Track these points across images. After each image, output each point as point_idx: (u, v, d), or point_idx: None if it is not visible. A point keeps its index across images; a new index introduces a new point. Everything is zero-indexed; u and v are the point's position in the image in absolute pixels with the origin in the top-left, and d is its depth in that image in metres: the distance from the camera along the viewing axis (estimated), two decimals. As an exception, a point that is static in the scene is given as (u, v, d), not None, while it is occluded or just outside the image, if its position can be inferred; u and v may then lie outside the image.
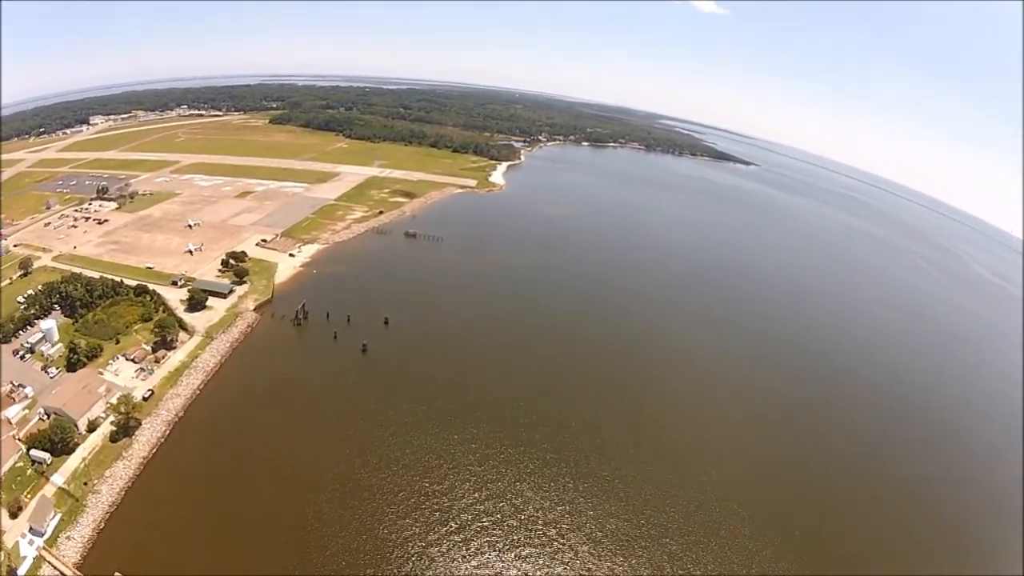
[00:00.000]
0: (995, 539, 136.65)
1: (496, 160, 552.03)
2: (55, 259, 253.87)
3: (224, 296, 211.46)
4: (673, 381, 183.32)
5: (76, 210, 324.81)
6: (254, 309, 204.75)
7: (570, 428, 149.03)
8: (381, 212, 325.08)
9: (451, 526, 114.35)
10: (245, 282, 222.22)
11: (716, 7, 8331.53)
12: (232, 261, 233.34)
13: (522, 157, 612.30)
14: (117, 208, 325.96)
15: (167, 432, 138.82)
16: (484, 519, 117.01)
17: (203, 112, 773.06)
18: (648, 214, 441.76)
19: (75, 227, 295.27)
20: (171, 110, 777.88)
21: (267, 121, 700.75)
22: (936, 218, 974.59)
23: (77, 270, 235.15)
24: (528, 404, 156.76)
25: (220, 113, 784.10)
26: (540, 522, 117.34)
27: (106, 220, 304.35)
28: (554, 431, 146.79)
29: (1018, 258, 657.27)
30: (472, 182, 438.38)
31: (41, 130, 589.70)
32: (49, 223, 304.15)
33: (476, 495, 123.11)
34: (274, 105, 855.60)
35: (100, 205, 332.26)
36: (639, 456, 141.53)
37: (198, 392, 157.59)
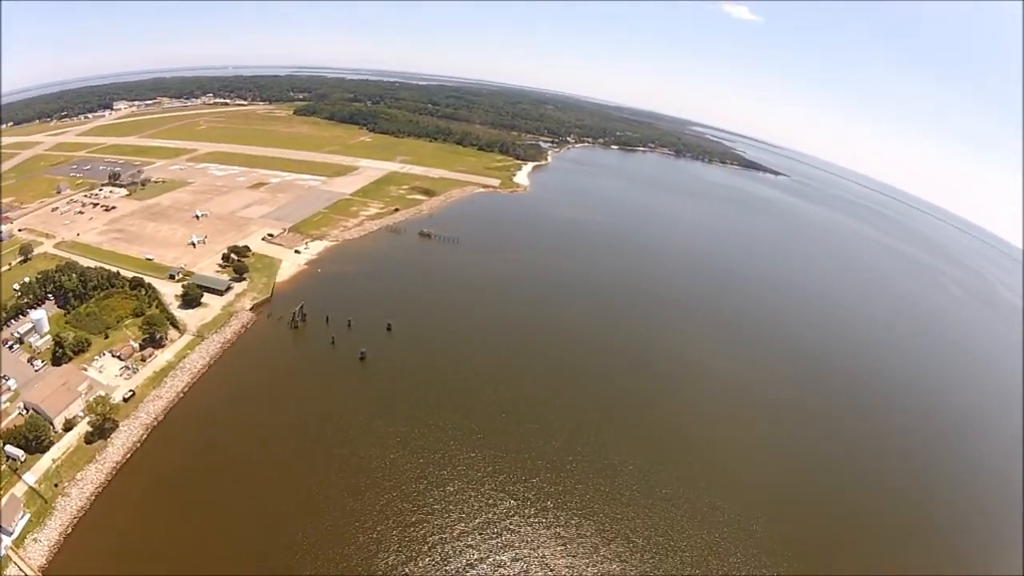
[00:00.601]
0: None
1: (522, 160, 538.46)
2: (57, 246, 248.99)
3: (221, 293, 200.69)
4: (695, 399, 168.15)
5: (86, 195, 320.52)
6: (251, 308, 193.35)
7: (581, 462, 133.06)
8: (397, 209, 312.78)
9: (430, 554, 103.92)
10: (244, 279, 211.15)
11: (749, 13, 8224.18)
12: (233, 256, 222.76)
13: (549, 158, 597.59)
14: (127, 195, 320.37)
15: (143, 437, 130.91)
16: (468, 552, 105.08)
17: (228, 101, 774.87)
18: (676, 222, 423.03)
19: (82, 213, 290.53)
20: (196, 98, 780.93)
21: (291, 112, 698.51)
22: (954, 233, 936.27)
23: (77, 258, 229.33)
24: (538, 429, 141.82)
25: (245, 102, 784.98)
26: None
27: (114, 207, 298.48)
28: (557, 466, 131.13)
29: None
30: (495, 182, 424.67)
31: (63, 113, 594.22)
32: (57, 208, 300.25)
33: (465, 529, 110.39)
34: (300, 96, 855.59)
35: (111, 191, 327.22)
36: (655, 490, 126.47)
37: (181, 395, 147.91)
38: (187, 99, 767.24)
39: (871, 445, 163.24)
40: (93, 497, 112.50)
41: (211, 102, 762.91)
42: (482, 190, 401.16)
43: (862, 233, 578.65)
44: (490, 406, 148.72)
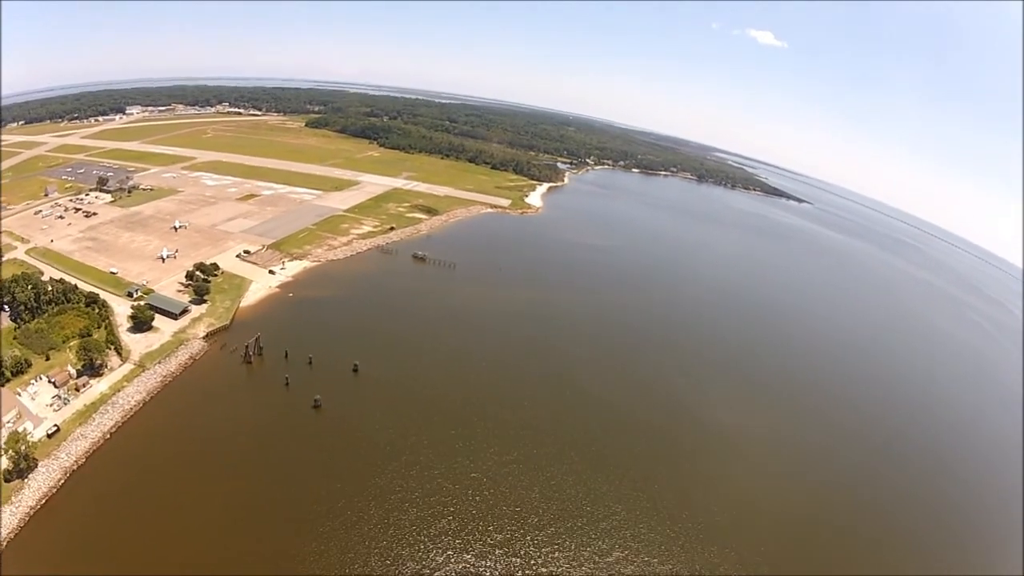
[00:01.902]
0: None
1: (537, 180, 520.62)
2: (29, 252, 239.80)
3: (175, 317, 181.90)
4: (722, 472, 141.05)
5: (72, 200, 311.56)
6: (204, 336, 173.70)
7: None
8: (392, 228, 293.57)
9: None
10: (205, 301, 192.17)
11: (774, 39, 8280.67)
12: (198, 274, 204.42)
13: (566, 179, 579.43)
14: (112, 201, 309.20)
15: (61, 481, 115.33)
16: None
17: (241, 111, 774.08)
18: (699, 250, 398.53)
19: (62, 218, 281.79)
20: (211, 106, 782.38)
21: (303, 124, 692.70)
22: (972, 261, 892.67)
23: (45, 266, 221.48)
24: (527, 523, 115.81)
25: (259, 113, 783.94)
26: None
27: (95, 214, 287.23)
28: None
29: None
30: (505, 202, 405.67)
31: (74, 115, 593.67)
32: (40, 211, 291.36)
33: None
34: (316, 109, 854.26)
35: (96, 197, 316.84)
36: None
37: (108, 436, 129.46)
38: (201, 107, 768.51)
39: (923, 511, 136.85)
40: (3, 544, 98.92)
41: (224, 111, 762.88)
42: (490, 210, 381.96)
43: (890, 263, 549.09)
44: (468, 494, 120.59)
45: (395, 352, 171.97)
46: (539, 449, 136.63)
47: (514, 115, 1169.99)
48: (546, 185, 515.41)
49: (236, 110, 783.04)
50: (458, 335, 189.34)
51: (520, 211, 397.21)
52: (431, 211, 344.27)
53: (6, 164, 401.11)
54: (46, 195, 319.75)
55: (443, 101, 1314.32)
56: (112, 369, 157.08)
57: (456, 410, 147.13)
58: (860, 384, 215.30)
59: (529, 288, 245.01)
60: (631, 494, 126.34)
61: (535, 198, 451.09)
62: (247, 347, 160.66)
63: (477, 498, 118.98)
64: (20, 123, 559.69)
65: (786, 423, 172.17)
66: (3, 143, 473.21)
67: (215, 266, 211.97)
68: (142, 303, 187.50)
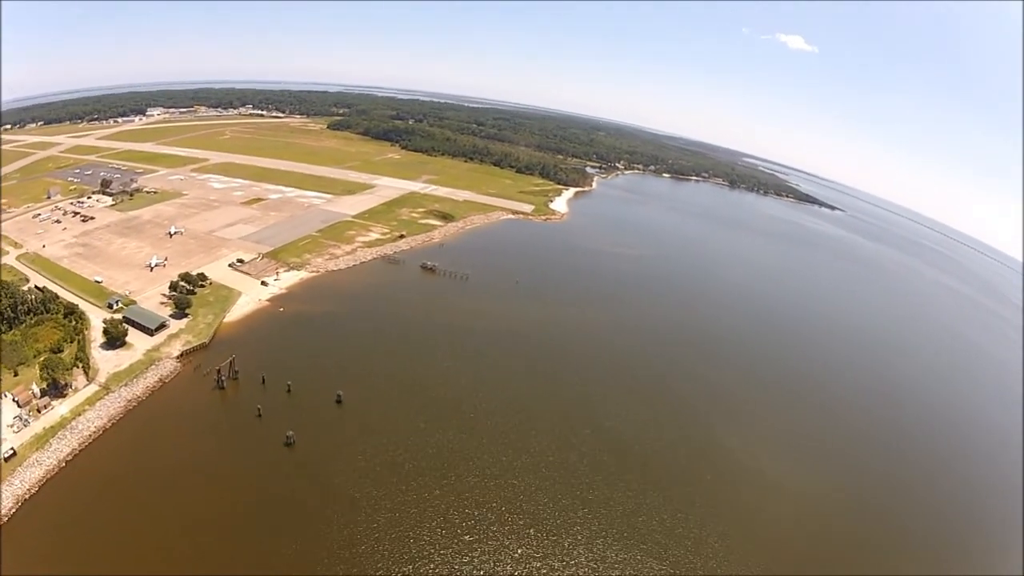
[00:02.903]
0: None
1: (563, 185, 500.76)
2: (20, 257, 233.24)
3: (151, 333, 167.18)
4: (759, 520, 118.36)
5: (72, 203, 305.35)
6: (179, 356, 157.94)
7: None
8: (402, 236, 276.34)
9: None
10: (187, 315, 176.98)
11: (804, 43, 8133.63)
12: (183, 285, 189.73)
13: (594, 184, 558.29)
14: (112, 205, 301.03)
15: (12, 511, 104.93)
16: None
17: (263, 113, 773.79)
18: (735, 260, 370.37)
19: (59, 222, 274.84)
20: (234, 108, 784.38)
21: (325, 126, 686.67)
22: (1002, 270, 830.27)
23: (32, 273, 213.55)
24: None
25: (282, 115, 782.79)
26: None
27: (92, 218, 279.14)
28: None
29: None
30: (528, 208, 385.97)
31: (94, 116, 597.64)
32: (39, 214, 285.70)
33: None
34: (341, 112, 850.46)
35: (97, 200, 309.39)
36: None
37: (63, 465, 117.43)
38: (224, 109, 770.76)
39: None
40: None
41: (247, 113, 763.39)
42: (511, 216, 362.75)
43: (926, 275, 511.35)
44: (463, 551, 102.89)
45: (387, 381, 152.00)
46: (547, 518, 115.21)
47: (543, 119, 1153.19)
48: (573, 190, 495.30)
49: (259, 112, 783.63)
50: (462, 362, 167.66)
51: (544, 217, 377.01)
52: (447, 217, 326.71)
53: (17, 165, 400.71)
54: (48, 198, 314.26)
55: (472, 105, 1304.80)
56: (77, 390, 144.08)
57: (450, 461, 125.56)
58: (912, 425, 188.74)
59: (548, 304, 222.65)
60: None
61: (560, 203, 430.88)
62: (218, 371, 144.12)
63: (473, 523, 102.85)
64: (40, 123, 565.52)
65: (836, 468, 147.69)
66: (19, 143, 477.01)
67: (202, 276, 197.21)
68: (119, 316, 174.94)
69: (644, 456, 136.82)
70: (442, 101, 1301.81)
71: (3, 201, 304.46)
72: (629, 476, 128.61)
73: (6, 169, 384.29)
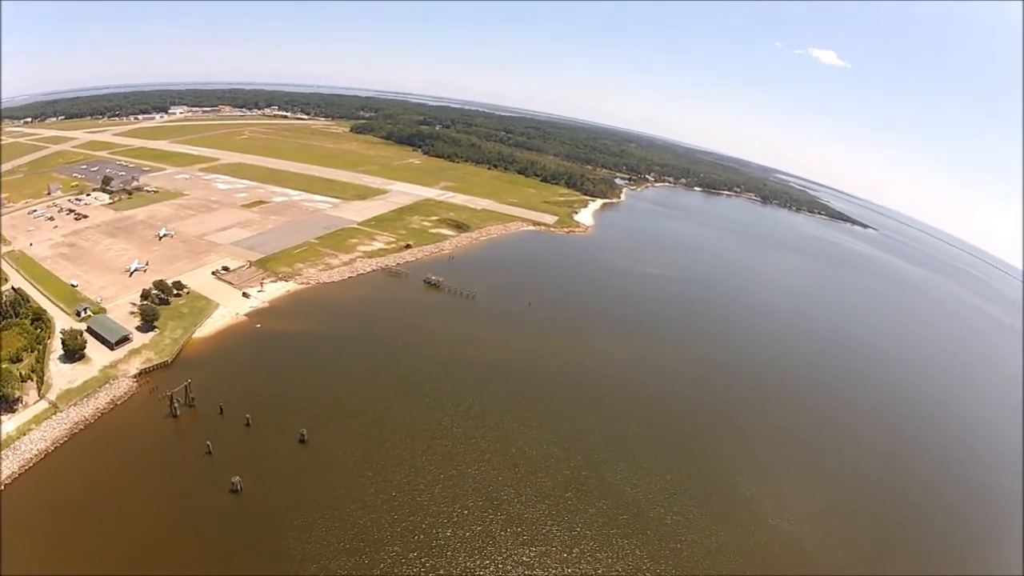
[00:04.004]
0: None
1: (590, 196, 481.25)
2: (4, 256, 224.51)
3: (111, 347, 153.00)
4: None
5: (70, 200, 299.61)
6: (136, 375, 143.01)
7: None
8: (408, 246, 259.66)
9: None
10: (155, 328, 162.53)
11: (837, 58, 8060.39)
12: (156, 293, 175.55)
13: (623, 196, 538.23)
14: (109, 203, 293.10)
15: None
16: None
17: (287, 114, 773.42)
18: (772, 283, 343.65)
19: (52, 219, 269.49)
20: (259, 109, 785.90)
21: (347, 129, 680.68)
22: None
23: (13, 273, 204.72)
24: None
25: (306, 117, 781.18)
26: None
27: (86, 216, 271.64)
28: None
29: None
30: (551, 218, 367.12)
31: (115, 113, 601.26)
32: (36, 211, 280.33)
33: None
34: (367, 115, 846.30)
35: (95, 197, 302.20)
36: None
37: (2, 488, 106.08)
38: (248, 109, 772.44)
39: None
40: None
41: (270, 114, 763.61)
42: (531, 228, 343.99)
43: (966, 300, 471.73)
44: None
45: (362, 423, 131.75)
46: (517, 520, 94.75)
47: (575, 130, 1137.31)
48: (600, 201, 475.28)
49: (282, 113, 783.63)
50: (454, 401, 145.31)
51: (567, 230, 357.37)
52: (461, 227, 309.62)
53: (28, 159, 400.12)
54: (48, 194, 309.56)
55: (503, 114, 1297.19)
56: (27, 405, 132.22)
57: (427, 530, 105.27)
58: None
59: (561, 331, 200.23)
60: None
61: (586, 215, 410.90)
62: (171, 396, 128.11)
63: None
64: (60, 118, 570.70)
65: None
66: (35, 137, 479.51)
67: (179, 285, 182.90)
68: (83, 326, 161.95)
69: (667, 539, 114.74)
70: (473, 109, 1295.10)
71: (4, 196, 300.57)
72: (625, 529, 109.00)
73: (17, 163, 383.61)
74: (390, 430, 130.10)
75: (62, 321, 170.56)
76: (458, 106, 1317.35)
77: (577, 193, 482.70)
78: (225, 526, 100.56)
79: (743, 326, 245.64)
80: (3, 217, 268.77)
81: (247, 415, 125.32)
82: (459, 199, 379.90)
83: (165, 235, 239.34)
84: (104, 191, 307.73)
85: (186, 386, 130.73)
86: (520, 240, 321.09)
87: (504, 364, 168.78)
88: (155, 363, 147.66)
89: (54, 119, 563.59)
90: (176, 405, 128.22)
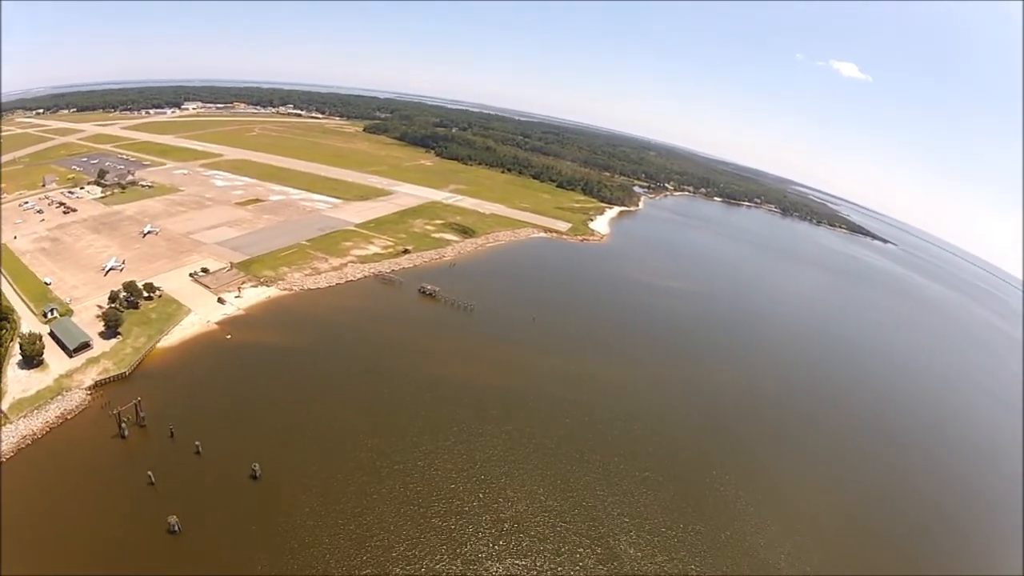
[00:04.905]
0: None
1: (607, 203, 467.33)
2: None
3: (70, 354, 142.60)
4: None
5: (64, 192, 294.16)
6: (91, 386, 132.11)
7: None
8: (406, 251, 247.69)
9: None
10: (119, 334, 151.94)
11: (858, 71, 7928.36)
12: (124, 296, 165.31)
13: (640, 204, 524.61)
14: (101, 197, 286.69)
15: None
16: None
17: (301, 112, 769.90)
18: (796, 300, 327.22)
19: (40, 212, 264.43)
20: (274, 107, 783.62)
21: (360, 128, 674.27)
22: None
23: None
24: None
25: (321, 116, 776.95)
26: None
27: (75, 210, 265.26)
28: None
29: None
30: (564, 226, 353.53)
31: (127, 107, 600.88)
32: (27, 203, 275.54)
33: None
34: (382, 116, 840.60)
35: (88, 191, 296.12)
36: None
37: None
38: (263, 107, 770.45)
39: None
40: None
41: (284, 112, 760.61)
42: (542, 235, 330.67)
43: (991, 323, 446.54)
44: None
45: (327, 456, 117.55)
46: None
47: (593, 136, 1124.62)
48: (617, 209, 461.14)
49: (297, 112, 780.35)
50: (436, 436, 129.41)
51: (580, 238, 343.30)
52: (466, 232, 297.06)
53: (31, 150, 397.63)
54: (43, 185, 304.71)
55: (521, 119, 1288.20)
56: None
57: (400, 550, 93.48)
58: None
59: (567, 353, 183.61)
60: None
61: (601, 223, 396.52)
62: (118, 415, 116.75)
63: None
64: (72, 110, 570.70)
65: None
66: (44, 128, 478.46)
67: (151, 287, 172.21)
68: (47, 329, 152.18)
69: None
70: (491, 113, 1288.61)
71: (1, 186, 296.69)
72: None
73: (19, 153, 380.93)
74: (357, 470, 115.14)
75: (29, 322, 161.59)
76: (477, 110, 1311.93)
77: (594, 200, 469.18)
78: (159, 571, 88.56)
79: (766, 350, 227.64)
80: (1, 206, 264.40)
81: (197, 442, 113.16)
82: (468, 203, 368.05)
83: (149, 232, 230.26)
84: (98, 184, 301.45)
85: (136, 404, 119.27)
86: (529, 248, 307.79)
87: (499, 389, 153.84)
88: (112, 374, 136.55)
89: (66, 111, 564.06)
90: (124, 425, 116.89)
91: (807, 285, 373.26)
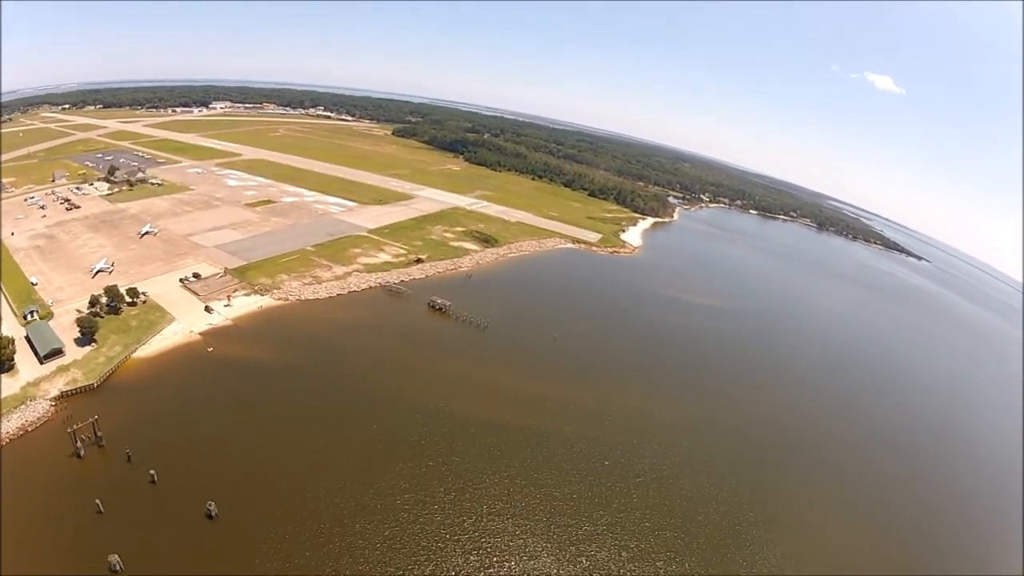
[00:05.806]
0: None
1: (641, 213, 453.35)
2: None
3: (40, 361, 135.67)
4: None
5: (71, 188, 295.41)
6: (56, 397, 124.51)
7: None
8: (419, 260, 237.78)
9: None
10: (94, 342, 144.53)
11: (893, 85, 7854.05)
12: (104, 301, 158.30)
13: (675, 215, 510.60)
14: (107, 194, 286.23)
15: None
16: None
17: (331, 115, 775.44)
18: (837, 320, 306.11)
19: (43, 208, 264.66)
20: (304, 108, 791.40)
21: (389, 132, 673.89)
22: None
23: None
24: None
25: (351, 119, 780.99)
26: None
27: (78, 207, 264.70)
28: None
29: None
30: (593, 236, 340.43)
31: (153, 104, 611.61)
32: (33, 198, 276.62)
33: None
34: (413, 120, 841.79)
35: (96, 187, 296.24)
36: None
37: None
38: (291, 108, 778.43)
39: None
40: None
41: (313, 114, 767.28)
42: (570, 245, 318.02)
43: None
44: None
45: (297, 499, 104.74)
46: None
47: (627, 145, 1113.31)
48: (651, 220, 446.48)
49: (327, 114, 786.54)
50: (430, 481, 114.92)
51: (611, 250, 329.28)
52: (488, 241, 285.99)
53: (48, 144, 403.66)
54: (52, 181, 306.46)
55: (555, 127, 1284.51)
56: None
57: None
58: None
59: (591, 380, 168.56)
60: None
61: (634, 235, 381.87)
62: (74, 433, 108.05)
63: None
64: (99, 106, 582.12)
65: None
66: (65, 123, 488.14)
67: (134, 292, 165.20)
68: (23, 333, 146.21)
69: None
70: (524, 120, 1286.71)
71: (10, 180, 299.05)
72: None
73: (35, 148, 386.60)
74: (331, 519, 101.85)
75: (9, 323, 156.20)
76: (511, 117, 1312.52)
77: (626, 210, 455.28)
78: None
79: (810, 376, 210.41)
80: (2, 203, 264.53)
81: (153, 470, 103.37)
82: (493, 209, 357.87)
83: (147, 232, 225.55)
84: (107, 181, 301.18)
85: (93, 423, 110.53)
86: (555, 259, 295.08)
87: (509, 425, 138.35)
88: (80, 385, 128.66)
89: (92, 107, 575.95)
90: (80, 444, 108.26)
91: (847, 303, 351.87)
